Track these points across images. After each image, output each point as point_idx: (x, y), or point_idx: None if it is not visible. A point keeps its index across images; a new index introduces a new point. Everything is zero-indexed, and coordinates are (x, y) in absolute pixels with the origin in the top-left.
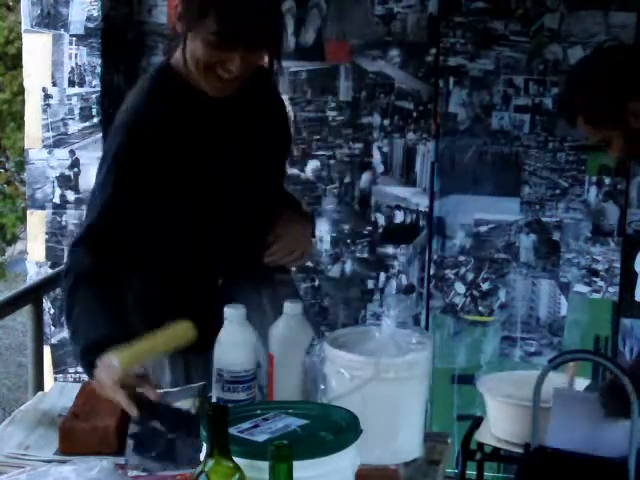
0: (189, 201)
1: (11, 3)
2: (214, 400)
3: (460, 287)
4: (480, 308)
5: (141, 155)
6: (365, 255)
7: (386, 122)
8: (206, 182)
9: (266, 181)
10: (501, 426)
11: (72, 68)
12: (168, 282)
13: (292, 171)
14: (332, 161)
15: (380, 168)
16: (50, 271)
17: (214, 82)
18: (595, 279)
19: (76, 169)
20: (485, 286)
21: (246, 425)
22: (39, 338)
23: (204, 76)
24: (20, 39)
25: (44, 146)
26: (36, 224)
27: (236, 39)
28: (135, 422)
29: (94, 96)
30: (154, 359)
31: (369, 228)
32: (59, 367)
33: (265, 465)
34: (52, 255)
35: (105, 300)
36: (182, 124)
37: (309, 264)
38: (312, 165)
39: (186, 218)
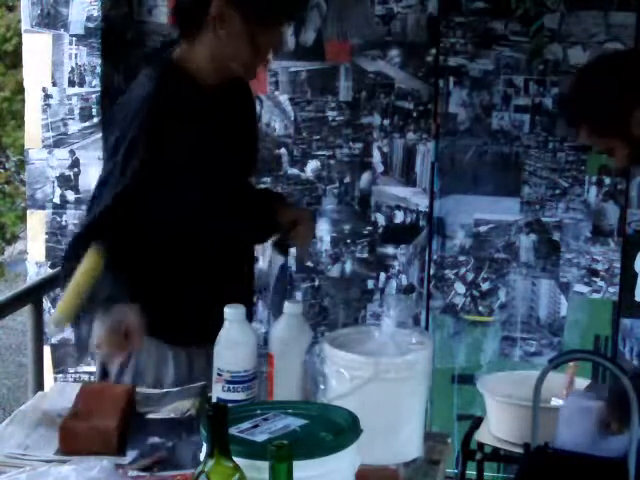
0: (196, 189)
1: (11, 3)
2: (214, 400)
3: (460, 287)
4: (480, 308)
5: (156, 141)
6: (365, 255)
7: (386, 122)
8: (210, 171)
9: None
10: (501, 426)
11: (72, 68)
12: (173, 272)
13: (292, 171)
14: (332, 161)
15: (380, 168)
16: (50, 271)
17: (250, 67)
18: (595, 279)
19: (76, 169)
20: (485, 286)
21: (246, 425)
22: (39, 338)
23: (244, 62)
24: (18, 37)
25: (44, 146)
26: (36, 224)
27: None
28: (132, 449)
29: (94, 96)
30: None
31: (369, 228)
32: (59, 367)
33: (265, 465)
34: (52, 255)
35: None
36: (190, 115)
37: (309, 264)
38: (312, 165)
39: (192, 206)
